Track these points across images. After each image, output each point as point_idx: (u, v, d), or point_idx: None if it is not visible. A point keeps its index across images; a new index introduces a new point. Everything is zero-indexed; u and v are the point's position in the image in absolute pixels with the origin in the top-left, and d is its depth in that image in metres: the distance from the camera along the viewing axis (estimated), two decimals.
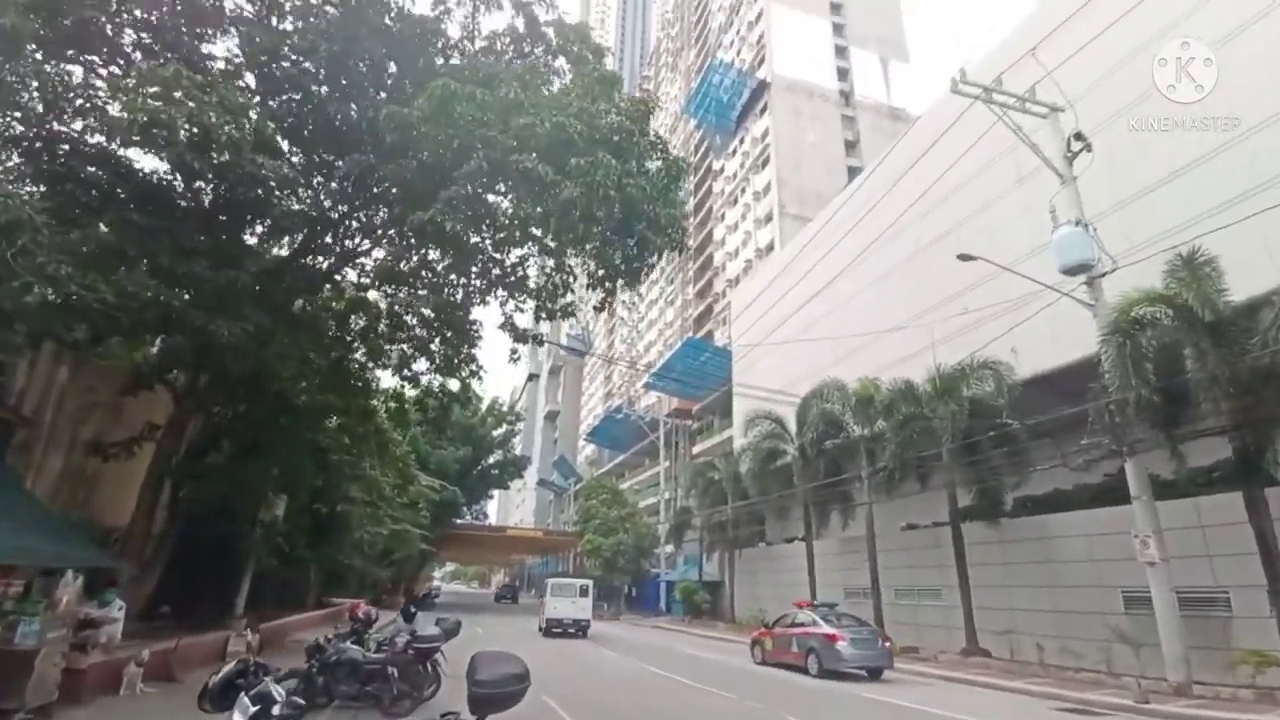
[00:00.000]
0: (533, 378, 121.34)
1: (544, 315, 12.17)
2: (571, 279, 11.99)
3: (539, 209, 9.22)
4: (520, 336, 11.99)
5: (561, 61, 11.44)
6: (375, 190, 10.21)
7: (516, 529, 48.69)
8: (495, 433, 45.13)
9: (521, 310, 12.06)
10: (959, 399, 16.84)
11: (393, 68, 10.71)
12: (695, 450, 50.95)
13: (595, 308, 12.83)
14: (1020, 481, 16.97)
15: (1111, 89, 17.58)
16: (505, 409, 45.93)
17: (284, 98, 10.31)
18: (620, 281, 11.44)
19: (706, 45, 73.36)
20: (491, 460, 45.56)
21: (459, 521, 46.23)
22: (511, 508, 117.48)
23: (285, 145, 10.79)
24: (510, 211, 10.61)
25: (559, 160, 8.80)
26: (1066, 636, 15.25)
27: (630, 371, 78.98)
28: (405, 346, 13.32)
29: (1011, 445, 16.45)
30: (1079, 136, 15.15)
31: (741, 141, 58.32)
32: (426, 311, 12.59)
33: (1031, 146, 15.67)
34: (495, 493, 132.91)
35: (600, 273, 11.33)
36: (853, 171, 49.74)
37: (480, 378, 13.50)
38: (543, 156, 8.65)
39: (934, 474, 19.58)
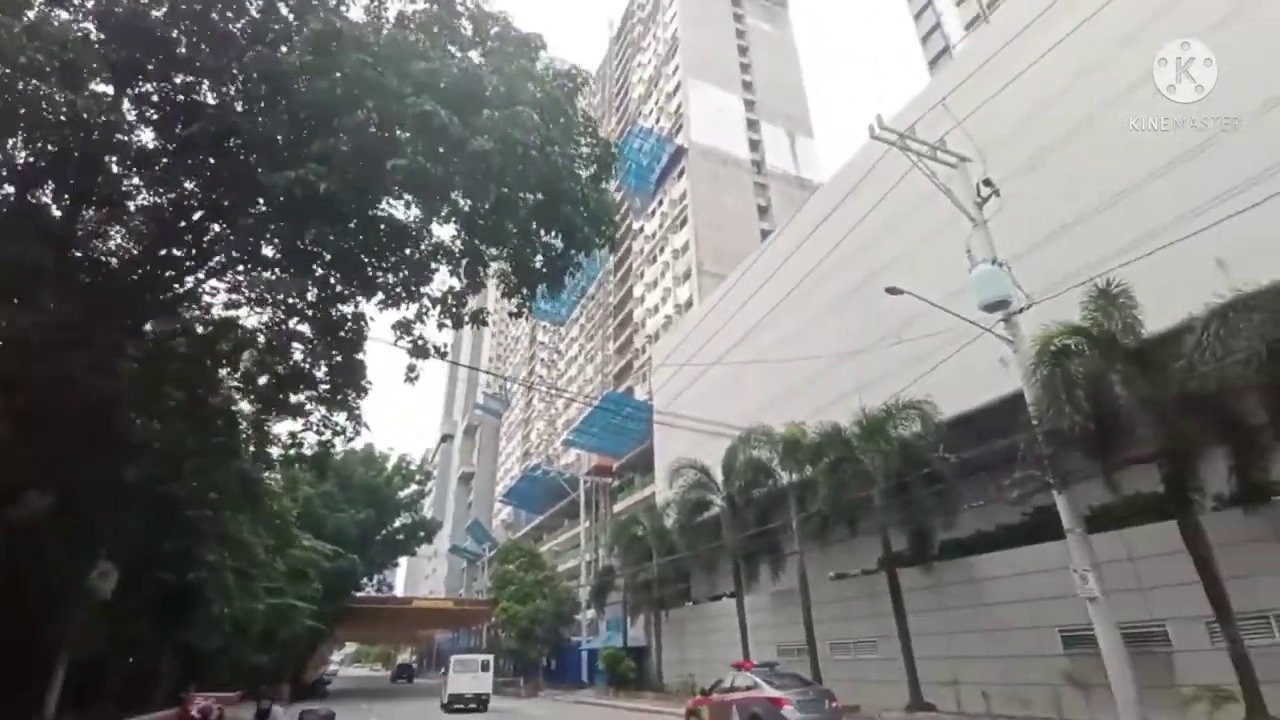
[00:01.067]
0: (446, 439, 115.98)
1: (448, 322, 10.46)
2: (483, 275, 10.43)
3: (441, 168, 7.76)
4: (420, 350, 10.35)
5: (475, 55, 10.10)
6: (238, 158, 8.29)
7: (424, 600, 44.31)
8: (402, 493, 41.58)
9: (423, 321, 10.37)
10: (888, 439, 16.54)
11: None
12: (616, 509, 49.27)
13: (511, 314, 11.39)
14: (950, 523, 16.66)
15: (1022, 138, 18.51)
16: (414, 468, 42.61)
17: (130, 54, 8.30)
18: (541, 287, 10.09)
19: (627, 114, 76.02)
20: (398, 524, 41.80)
21: (359, 595, 41.76)
22: (420, 578, 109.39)
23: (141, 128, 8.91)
24: (407, 215, 9.06)
25: (468, 115, 7.56)
26: (1012, 683, 14.67)
27: (549, 430, 76.90)
28: (281, 371, 11.17)
29: (941, 485, 16.22)
30: (987, 183, 15.76)
31: (660, 203, 59.97)
32: (304, 330, 10.72)
33: (945, 191, 16.13)
34: (402, 562, 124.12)
35: (516, 280, 9.90)
36: (766, 234, 51.74)
37: (365, 390, 11.57)
38: (448, 108, 7.38)
39: (864, 519, 19.16)
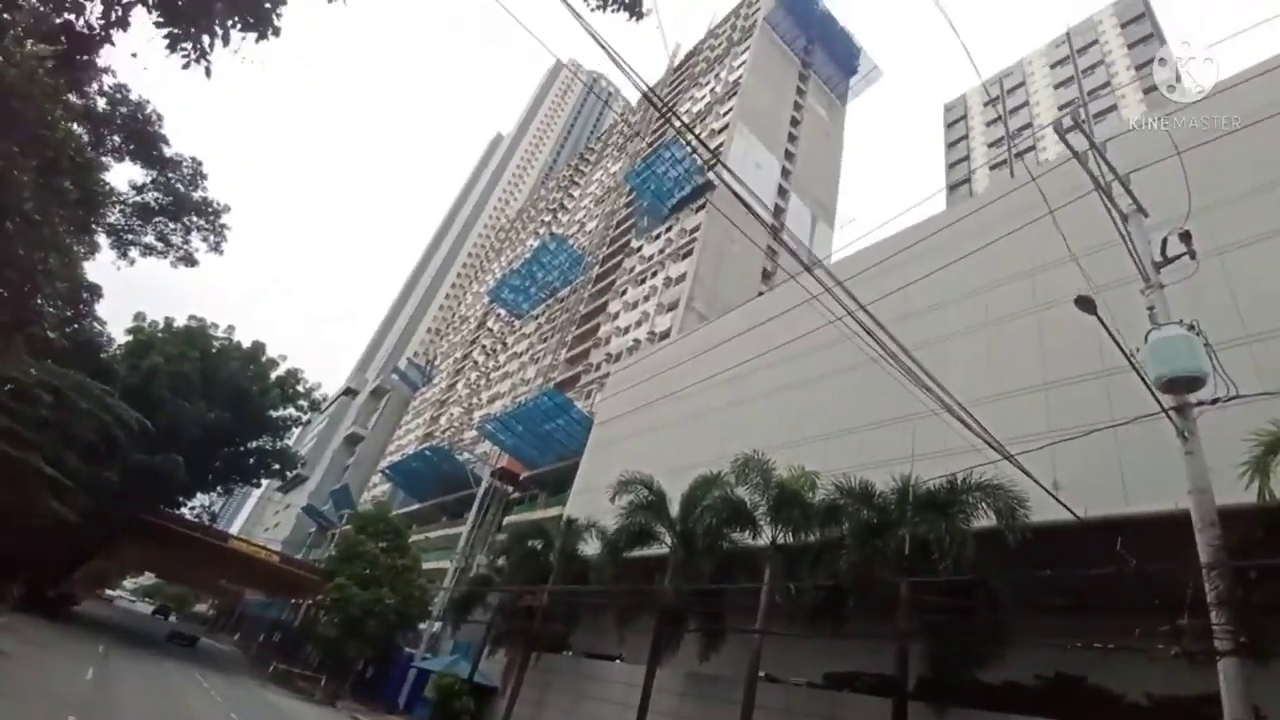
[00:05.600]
0: (350, 392, 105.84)
1: None
2: None
3: None
4: None
5: None
6: None
7: (245, 543, 35.74)
8: (276, 412, 34.09)
9: None
10: (962, 520, 12.01)
11: None
12: (506, 521, 43.15)
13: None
14: (993, 657, 11.96)
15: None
16: (302, 389, 35.19)
17: None
18: None
19: (662, 141, 73.71)
20: (254, 445, 33.98)
21: (169, 510, 33.34)
22: (260, 530, 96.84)
23: None
24: None
25: None
26: None
27: (463, 420, 70.09)
28: None
29: (993, 606, 11.67)
30: (1185, 237, 12.05)
31: (669, 229, 57.23)
32: None
33: (1125, 235, 12.36)
34: (249, 505, 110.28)
35: None
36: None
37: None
38: None
39: (850, 619, 14.38)
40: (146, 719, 12.31)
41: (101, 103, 18.91)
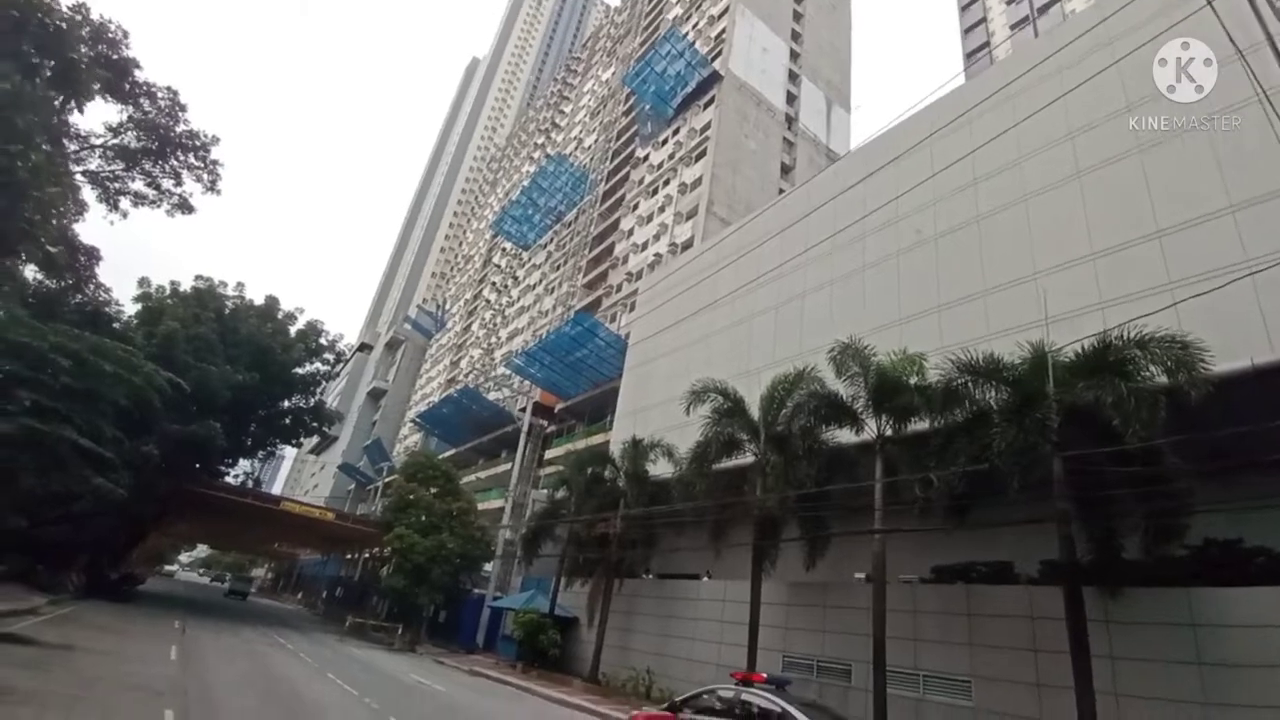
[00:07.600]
0: (364, 348, 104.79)
1: None
2: None
3: None
4: None
5: None
6: None
7: (299, 504, 35.33)
8: (301, 370, 32.71)
9: None
10: (1144, 379, 10.28)
11: None
12: (547, 455, 42.45)
13: None
14: (1176, 531, 10.53)
15: None
16: (325, 341, 33.61)
17: None
18: None
19: (657, 35, 68.27)
20: (287, 405, 32.83)
21: (215, 480, 32.72)
22: (300, 491, 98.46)
23: None
24: None
25: None
26: None
27: (484, 361, 68.87)
28: None
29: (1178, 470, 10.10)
30: None
31: (676, 132, 53.31)
32: None
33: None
34: (285, 467, 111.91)
35: None
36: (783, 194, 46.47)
37: None
38: None
39: (974, 507, 12.95)
40: (248, 696, 11.38)
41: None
